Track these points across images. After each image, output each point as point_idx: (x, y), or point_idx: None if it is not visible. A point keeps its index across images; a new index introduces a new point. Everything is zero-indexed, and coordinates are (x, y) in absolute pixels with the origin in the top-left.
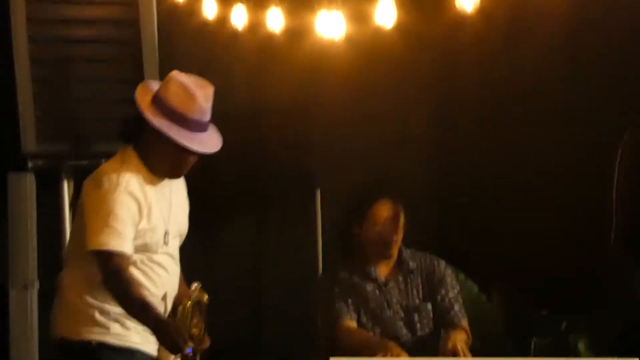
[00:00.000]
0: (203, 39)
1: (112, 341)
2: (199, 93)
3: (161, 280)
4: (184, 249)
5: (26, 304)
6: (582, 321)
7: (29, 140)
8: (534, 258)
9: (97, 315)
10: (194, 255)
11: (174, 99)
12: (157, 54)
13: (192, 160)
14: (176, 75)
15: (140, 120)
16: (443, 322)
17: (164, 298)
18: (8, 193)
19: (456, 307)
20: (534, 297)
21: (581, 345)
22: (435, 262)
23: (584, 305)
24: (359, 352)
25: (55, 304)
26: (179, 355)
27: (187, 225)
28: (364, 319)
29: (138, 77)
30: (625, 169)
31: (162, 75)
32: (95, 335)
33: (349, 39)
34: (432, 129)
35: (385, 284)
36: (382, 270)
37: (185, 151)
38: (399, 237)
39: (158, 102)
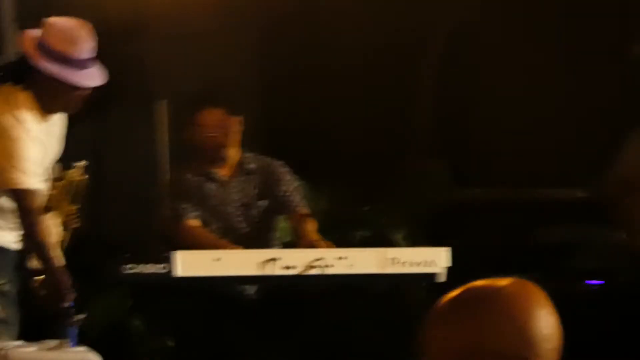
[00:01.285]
0: None
1: None
2: (81, 34)
3: None
4: None
5: None
6: (398, 215)
7: None
8: (354, 161)
9: None
10: None
11: (60, 43)
12: None
13: (85, 94)
14: (55, 20)
15: (26, 64)
16: (286, 210)
17: None
18: None
19: (297, 198)
20: (357, 195)
21: (399, 237)
22: (274, 163)
23: (399, 202)
24: (200, 249)
25: None
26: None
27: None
28: (205, 216)
29: None
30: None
31: None
32: None
33: None
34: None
35: (227, 183)
36: (224, 171)
37: (77, 89)
38: (228, 141)
39: (43, 48)
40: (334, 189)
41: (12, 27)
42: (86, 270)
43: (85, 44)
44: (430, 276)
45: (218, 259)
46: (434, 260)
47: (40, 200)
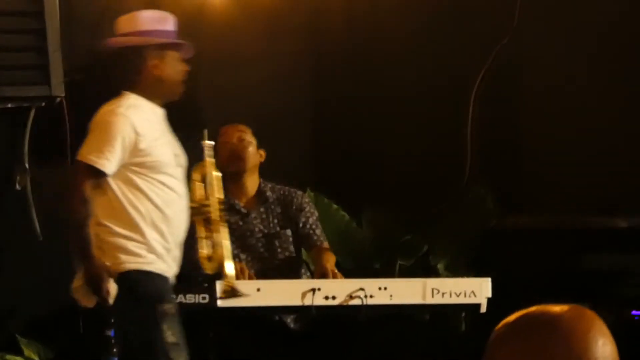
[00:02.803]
0: None
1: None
2: (159, 12)
3: (174, 204)
4: None
5: None
6: (441, 245)
7: None
8: (399, 189)
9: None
10: None
11: (152, 22)
12: None
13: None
14: (139, 12)
15: (127, 66)
16: (307, 246)
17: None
18: None
19: (317, 232)
20: (399, 224)
21: (440, 266)
22: (294, 193)
23: (442, 230)
24: None
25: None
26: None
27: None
28: (232, 247)
29: None
30: (480, 106)
31: None
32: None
33: None
34: (304, 67)
35: (248, 214)
36: (243, 202)
37: (182, 63)
38: (247, 154)
39: (141, 34)
40: (376, 217)
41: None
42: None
43: (170, 18)
44: (471, 307)
45: (258, 289)
46: (475, 290)
47: (98, 182)
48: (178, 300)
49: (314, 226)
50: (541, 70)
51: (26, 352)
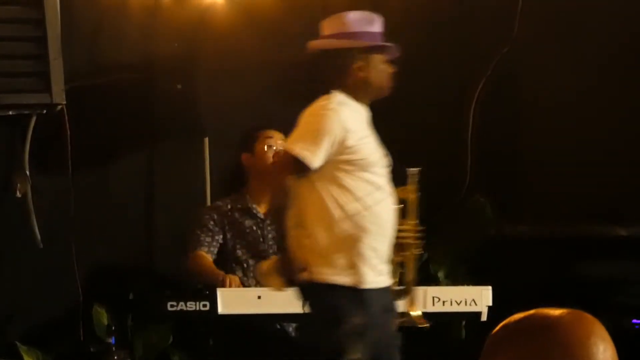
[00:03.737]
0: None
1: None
2: (368, 14)
3: (383, 202)
4: None
5: None
6: (441, 253)
7: None
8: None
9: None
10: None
11: (360, 24)
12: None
13: (389, 69)
14: (345, 13)
15: (333, 67)
16: None
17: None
18: None
19: None
20: None
21: (440, 274)
22: None
23: (442, 238)
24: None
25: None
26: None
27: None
28: (240, 252)
29: None
30: (480, 115)
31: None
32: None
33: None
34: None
35: (264, 220)
36: (262, 208)
37: (387, 65)
38: None
39: (348, 36)
40: None
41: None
42: (130, 306)
43: (377, 19)
44: (472, 315)
45: (259, 297)
46: (475, 298)
47: (302, 173)
48: (179, 307)
49: None
50: (541, 79)
51: (26, 358)
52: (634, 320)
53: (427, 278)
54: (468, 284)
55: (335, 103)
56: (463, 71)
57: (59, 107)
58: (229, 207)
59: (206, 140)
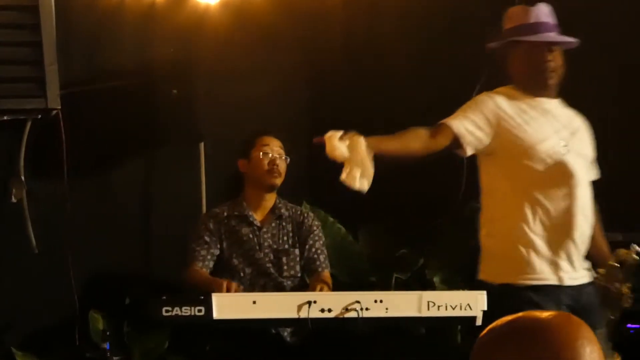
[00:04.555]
0: (95, 6)
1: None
2: (530, 7)
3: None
4: None
5: None
6: (437, 258)
7: None
8: (396, 203)
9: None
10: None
11: (515, 19)
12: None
13: (550, 60)
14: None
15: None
16: (309, 270)
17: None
18: None
19: (321, 258)
20: (395, 238)
21: (436, 279)
22: (305, 214)
23: (438, 244)
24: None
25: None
26: None
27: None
28: (236, 261)
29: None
30: None
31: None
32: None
33: (223, 4)
34: (301, 80)
35: (260, 228)
36: (258, 216)
37: (539, 53)
38: (283, 167)
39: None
40: (372, 231)
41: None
42: (126, 312)
43: (539, 11)
44: (467, 319)
45: (254, 302)
46: (471, 303)
47: (450, 143)
48: (174, 312)
49: (319, 251)
50: None
51: None
52: (629, 325)
53: (424, 284)
54: (463, 289)
55: (497, 92)
56: (458, 78)
57: (55, 112)
58: (226, 214)
59: (202, 145)
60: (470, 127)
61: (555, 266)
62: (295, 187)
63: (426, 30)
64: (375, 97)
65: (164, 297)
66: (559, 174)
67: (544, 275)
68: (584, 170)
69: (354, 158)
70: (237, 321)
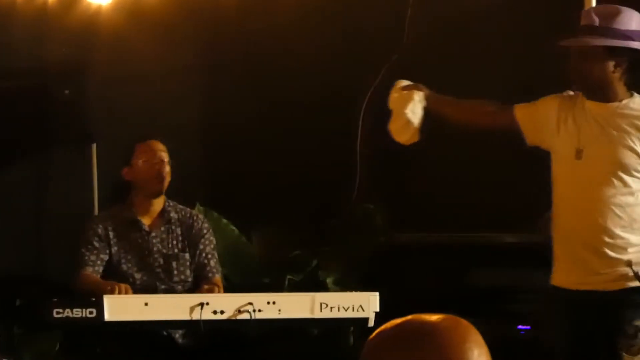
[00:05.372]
0: None
1: None
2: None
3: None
4: None
5: None
6: (330, 260)
7: None
8: (289, 204)
9: None
10: None
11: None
12: None
13: (574, 63)
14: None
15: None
16: (200, 276)
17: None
18: None
19: (212, 263)
20: (289, 239)
21: (329, 281)
22: (195, 217)
23: (331, 245)
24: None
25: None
26: None
27: (620, 155)
28: (125, 267)
29: None
30: (369, 123)
31: None
32: None
33: (116, 5)
34: (196, 81)
35: (149, 233)
36: (147, 220)
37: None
38: (166, 171)
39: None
40: (266, 232)
41: None
42: (16, 313)
43: (587, 13)
44: (359, 321)
45: (146, 304)
46: (363, 305)
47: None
48: (65, 314)
49: (209, 256)
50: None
51: None
52: (520, 326)
53: (317, 285)
54: (357, 291)
55: (563, 94)
56: (352, 79)
57: None
58: (114, 219)
59: (94, 146)
60: (529, 118)
61: None
62: (189, 189)
63: (324, 29)
64: (270, 97)
65: (55, 299)
66: None
67: None
68: None
69: (398, 111)
70: (129, 323)
